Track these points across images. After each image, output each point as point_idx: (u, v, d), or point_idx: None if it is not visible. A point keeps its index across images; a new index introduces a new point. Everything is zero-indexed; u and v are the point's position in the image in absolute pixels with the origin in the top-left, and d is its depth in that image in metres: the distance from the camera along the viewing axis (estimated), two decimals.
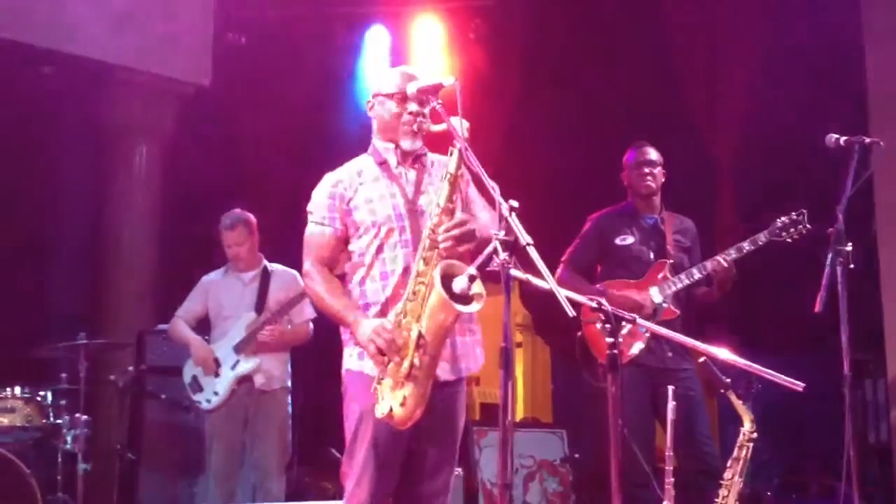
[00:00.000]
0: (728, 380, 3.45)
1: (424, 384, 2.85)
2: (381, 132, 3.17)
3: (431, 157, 3.19)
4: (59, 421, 4.98)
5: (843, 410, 3.32)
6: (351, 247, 3.10)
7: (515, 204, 2.66)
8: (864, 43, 5.62)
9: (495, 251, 2.63)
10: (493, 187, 2.74)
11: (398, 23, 7.42)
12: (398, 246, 3.01)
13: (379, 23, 7.45)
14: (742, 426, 3.53)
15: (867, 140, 3.55)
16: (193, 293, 5.07)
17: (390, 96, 3.10)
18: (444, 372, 3.00)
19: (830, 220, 3.42)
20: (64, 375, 5.14)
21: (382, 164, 3.12)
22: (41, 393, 5.08)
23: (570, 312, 2.57)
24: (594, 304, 2.77)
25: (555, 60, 7.00)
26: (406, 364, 2.83)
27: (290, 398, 4.98)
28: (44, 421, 5.02)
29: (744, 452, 3.53)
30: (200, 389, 4.89)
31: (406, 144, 3.09)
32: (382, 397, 2.86)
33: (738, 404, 3.49)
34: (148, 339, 5.78)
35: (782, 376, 2.89)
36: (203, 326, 5.05)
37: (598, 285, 4.48)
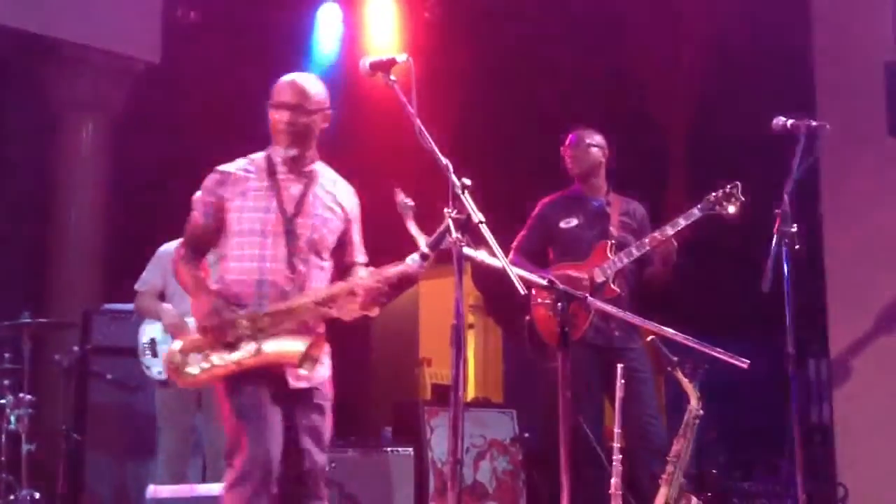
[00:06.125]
0: (676, 358, 3.51)
1: (227, 374, 3.07)
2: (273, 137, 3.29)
3: (324, 174, 3.31)
4: (2, 401, 4.89)
5: (787, 390, 3.38)
6: (218, 244, 3.23)
7: (468, 182, 2.68)
8: (812, 26, 5.71)
9: (447, 229, 2.64)
10: (447, 165, 2.75)
11: (351, 0, 7.35)
12: (256, 259, 3.14)
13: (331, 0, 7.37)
14: (689, 404, 3.60)
15: (814, 123, 3.61)
16: (150, 265, 4.91)
17: (272, 105, 3.23)
18: (298, 380, 3.13)
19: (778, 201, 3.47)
20: (7, 355, 5.05)
21: (272, 171, 3.22)
22: None
23: (522, 290, 2.59)
24: (545, 283, 2.80)
25: (510, 41, 7.00)
26: (234, 359, 3.03)
27: None
28: None
29: (690, 430, 3.60)
30: (155, 356, 4.78)
31: (279, 151, 3.22)
32: (185, 362, 3.08)
33: (685, 382, 3.56)
34: (94, 318, 5.68)
35: (728, 353, 2.94)
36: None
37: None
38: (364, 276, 3.15)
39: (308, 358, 3.02)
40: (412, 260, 2.77)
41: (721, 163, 5.86)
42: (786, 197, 3.42)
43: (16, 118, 6.75)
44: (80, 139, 6.85)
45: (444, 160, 2.76)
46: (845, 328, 5.42)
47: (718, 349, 2.97)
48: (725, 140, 6.13)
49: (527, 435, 5.83)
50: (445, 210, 2.72)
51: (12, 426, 4.83)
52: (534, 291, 4.26)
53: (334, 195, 3.28)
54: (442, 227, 2.67)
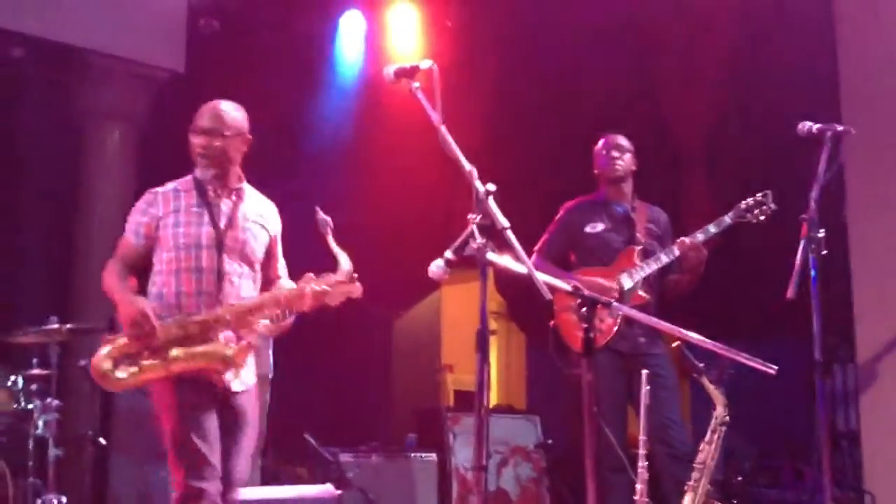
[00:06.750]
0: (702, 364, 3.49)
1: (157, 378, 3.22)
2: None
3: (251, 193, 3.47)
4: (30, 406, 4.92)
5: (814, 396, 3.35)
6: (154, 257, 3.37)
7: (492, 188, 2.68)
8: (836, 31, 5.67)
9: (472, 235, 2.64)
10: (471, 172, 2.75)
11: (373, 8, 7.38)
12: (192, 271, 3.29)
13: (354, 7, 7.40)
14: (715, 410, 3.57)
15: (839, 128, 3.58)
16: None
17: (190, 130, 3.43)
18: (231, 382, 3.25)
19: (803, 207, 3.45)
20: (35, 361, 5.09)
21: (202, 190, 3.38)
22: (12, 378, 5.04)
23: (547, 295, 2.58)
24: (570, 288, 2.79)
25: (531, 48, 7.00)
26: (163, 362, 3.16)
27: (269, 385, 4.94)
28: (15, 406, 4.98)
29: (716, 436, 3.57)
30: None
31: (197, 173, 3.40)
32: (113, 367, 3.21)
33: (711, 389, 3.53)
34: (119, 323, 5.72)
35: (755, 359, 2.92)
36: None
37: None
38: (291, 287, 3.34)
39: (233, 363, 3.17)
40: (436, 266, 2.77)
41: (744, 170, 5.84)
42: (812, 203, 3.40)
43: (41, 127, 6.80)
44: (105, 148, 6.90)
45: (469, 166, 2.76)
46: (872, 334, 5.37)
47: (745, 355, 2.95)
48: (749, 147, 6.10)
49: (550, 441, 5.82)
50: (469, 216, 2.72)
51: (40, 431, 4.85)
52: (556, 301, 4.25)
53: (261, 212, 3.48)
54: (466, 233, 2.67)
